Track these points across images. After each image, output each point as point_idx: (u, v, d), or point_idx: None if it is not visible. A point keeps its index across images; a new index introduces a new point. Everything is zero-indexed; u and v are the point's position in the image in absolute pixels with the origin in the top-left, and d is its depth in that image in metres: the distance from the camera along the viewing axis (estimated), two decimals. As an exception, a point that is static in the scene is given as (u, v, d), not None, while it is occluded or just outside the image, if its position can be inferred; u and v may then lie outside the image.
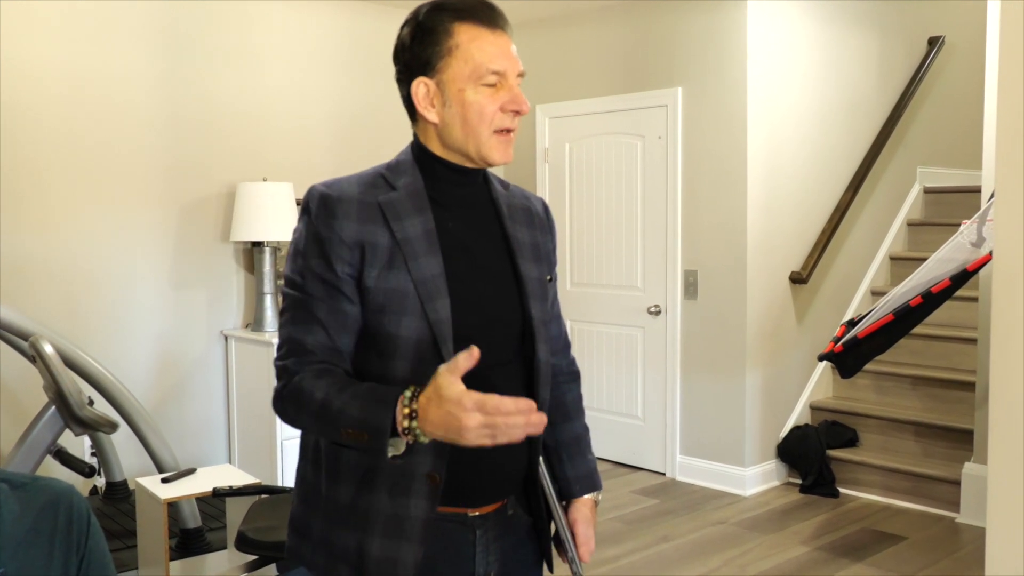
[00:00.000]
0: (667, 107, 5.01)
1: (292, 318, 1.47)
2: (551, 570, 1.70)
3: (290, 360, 1.45)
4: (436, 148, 1.51)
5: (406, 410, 1.31)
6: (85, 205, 4.27)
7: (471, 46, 1.45)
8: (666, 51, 5.01)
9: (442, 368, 1.29)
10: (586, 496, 1.72)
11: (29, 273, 4.12)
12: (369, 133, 5.17)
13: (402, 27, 1.51)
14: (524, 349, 1.56)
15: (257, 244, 4.64)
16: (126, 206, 4.40)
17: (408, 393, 1.31)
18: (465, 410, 1.25)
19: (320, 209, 1.45)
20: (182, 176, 4.57)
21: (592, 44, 5.37)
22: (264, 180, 4.68)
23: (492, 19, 1.47)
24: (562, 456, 1.73)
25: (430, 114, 1.48)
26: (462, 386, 1.27)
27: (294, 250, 1.49)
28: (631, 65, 5.18)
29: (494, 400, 1.26)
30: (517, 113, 1.48)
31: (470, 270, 1.51)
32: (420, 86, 1.48)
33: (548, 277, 1.64)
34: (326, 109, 5.06)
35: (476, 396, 1.26)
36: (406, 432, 1.31)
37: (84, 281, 4.29)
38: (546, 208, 1.71)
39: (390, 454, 1.36)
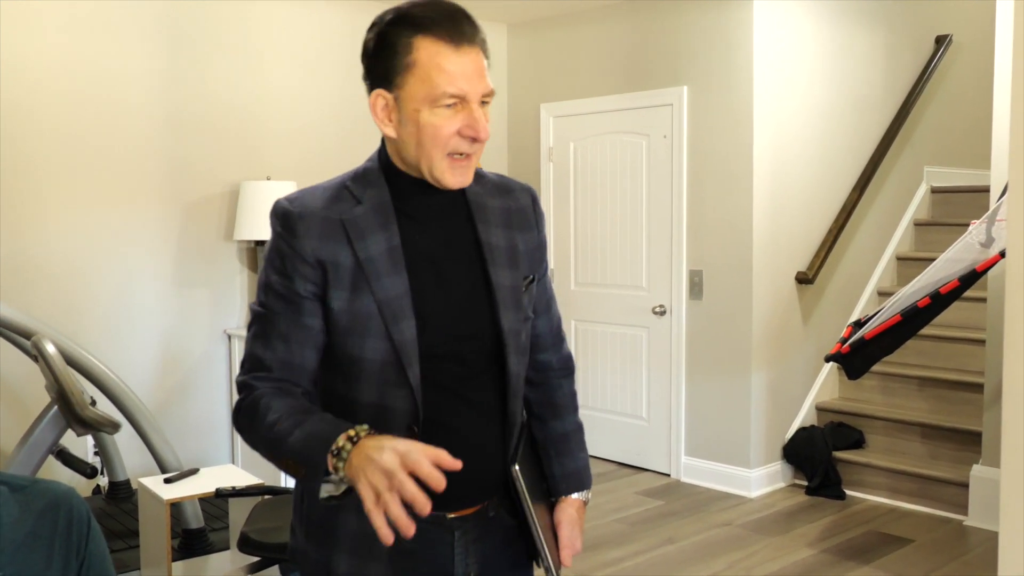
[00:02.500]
0: (672, 106, 5.00)
1: (254, 334, 1.45)
2: (539, 566, 1.65)
3: (249, 376, 1.43)
4: (398, 161, 1.46)
5: (351, 433, 1.28)
6: (88, 204, 4.28)
7: (430, 65, 1.35)
8: (671, 50, 5.01)
9: (417, 444, 1.24)
10: (573, 496, 1.67)
11: (32, 272, 4.14)
12: (371, 132, 5.08)
13: (368, 30, 1.43)
14: (499, 360, 1.51)
15: (260, 243, 4.63)
16: (129, 205, 4.41)
17: (352, 433, 1.28)
18: (383, 450, 1.22)
19: (282, 226, 1.42)
20: (185, 175, 4.58)
21: (597, 43, 5.36)
22: (267, 179, 4.69)
23: (456, 34, 1.36)
24: (550, 453, 1.69)
25: (388, 128, 1.42)
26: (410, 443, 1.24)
27: (263, 265, 1.47)
28: (636, 64, 5.18)
29: (418, 453, 1.22)
30: (475, 139, 1.39)
31: (437, 285, 1.46)
32: (379, 99, 1.41)
33: (530, 278, 1.56)
34: (329, 108, 5.06)
35: (406, 446, 1.23)
36: (335, 453, 1.27)
37: (87, 280, 4.30)
38: (533, 199, 1.62)
39: (324, 494, 1.33)
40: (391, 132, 1.43)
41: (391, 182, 1.46)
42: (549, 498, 1.68)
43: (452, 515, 1.51)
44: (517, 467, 1.51)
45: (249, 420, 1.41)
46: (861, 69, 5.25)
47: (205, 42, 4.60)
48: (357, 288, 1.40)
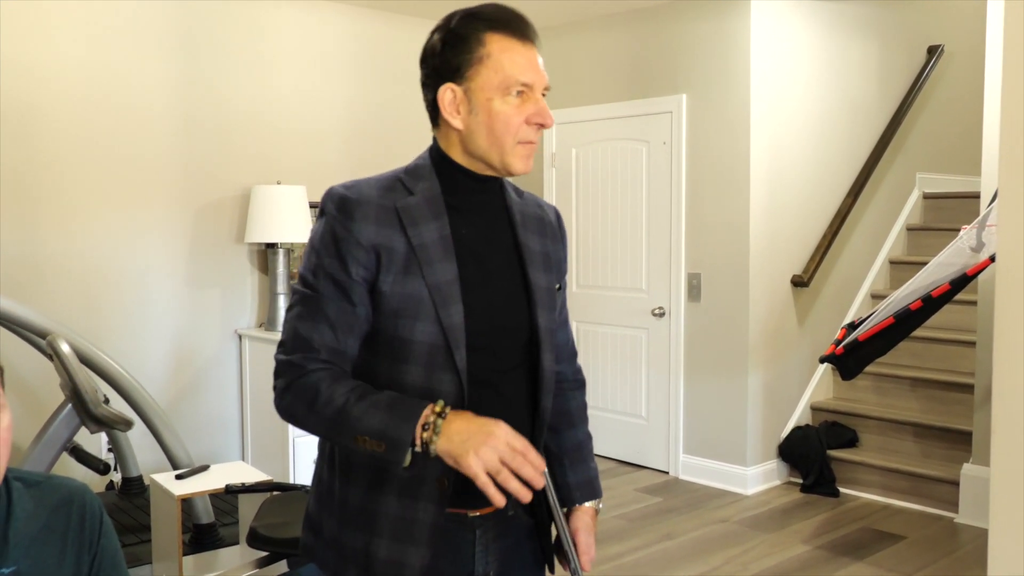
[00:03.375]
0: (672, 113, 5.07)
1: (299, 314, 1.46)
2: (552, 571, 1.70)
3: (296, 356, 1.44)
4: (457, 155, 1.51)
5: (437, 408, 1.37)
6: (103, 206, 4.31)
7: (502, 56, 1.45)
8: (671, 59, 5.07)
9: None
10: (587, 504, 1.71)
11: (47, 272, 4.16)
12: (381, 137, 5.22)
13: (433, 32, 1.51)
14: (530, 357, 1.56)
15: (271, 245, 4.68)
16: (143, 207, 4.44)
17: (438, 409, 1.36)
18: (500, 427, 1.33)
19: (339, 210, 1.45)
20: (198, 178, 4.60)
21: (598, 51, 5.42)
22: (278, 183, 4.72)
23: (524, 32, 1.48)
24: (564, 463, 1.72)
25: (455, 120, 1.48)
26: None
27: (310, 248, 1.49)
28: (637, 72, 5.24)
29: (524, 442, 1.34)
30: (541, 126, 1.49)
31: (481, 277, 1.51)
32: (447, 92, 1.47)
33: (557, 286, 1.62)
34: (339, 114, 5.09)
35: (510, 428, 1.34)
36: (425, 428, 1.34)
37: (101, 280, 4.32)
38: (559, 217, 1.71)
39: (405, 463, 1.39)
40: (458, 124, 1.48)
41: (442, 177, 1.52)
42: (562, 507, 1.69)
43: (474, 514, 1.54)
44: (545, 468, 1.55)
45: (305, 404, 1.42)
46: (855, 78, 5.32)
47: (218, 48, 4.64)
48: (409, 272, 1.44)
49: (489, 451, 1.31)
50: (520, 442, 1.34)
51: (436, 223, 1.47)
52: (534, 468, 1.33)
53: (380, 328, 1.46)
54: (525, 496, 1.33)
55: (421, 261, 1.44)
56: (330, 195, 1.48)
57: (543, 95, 1.51)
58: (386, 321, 1.45)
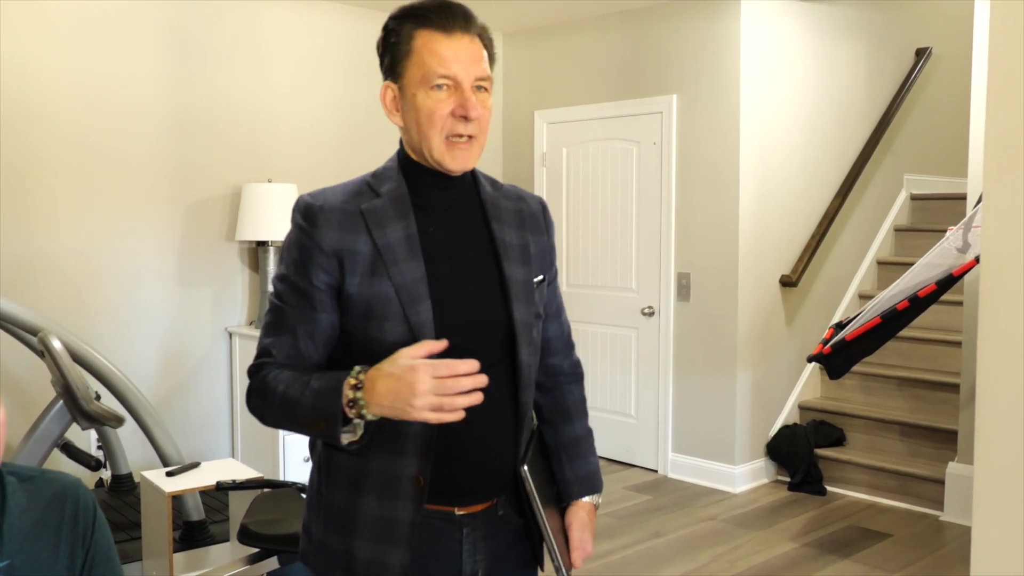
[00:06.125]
0: (662, 114, 5.09)
1: (266, 324, 1.51)
2: (542, 569, 1.68)
3: (256, 362, 1.51)
4: (411, 153, 1.53)
5: (352, 381, 1.37)
6: (93, 204, 4.31)
7: (423, 50, 1.46)
8: (662, 60, 5.09)
9: (403, 349, 1.36)
10: (584, 499, 1.69)
11: (38, 270, 4.16)
12: (372, 136, 5.22)
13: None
14: (511, 352, 1.54)
15: (261, 243, 4.69)
16: (134, 205, 4.44)
17: (356, 368, 1.38)
18: (417, 372, 1.32)
19: (304, 218, 1.48)
20: (189, 176, 4.60)
21: (590, 52, 5.44)
22: (269, 181, 4.72)
23: (448, 23, 1.46)
24: (561, 458, 1.70)
25: (395, 118, 1.52)
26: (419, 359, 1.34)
27: (280, 257, 1.54)
28: (628, 73, 5.26)
29: (446, 363, 1.33)
30: (464, 118, 1.45)
31: (453, 273, 1.50)
32: (387, 90, 1.52)
33: (541, 278, 1.61)
34: (330, 112, 5.10)
35: (428, 360, 1.33)
36: (351, 405, 1.36)
37: (92, 278, 4.32)
38: (543, 207, 1.68)
39: (345, 440, 1.40)
40: (398, 121, 1.52)
41: (408, 177, 1.53)
42: (560, 502, 1.69)
43: (461, 511, 1.53)
44: (526, 467, 1.54)
45: (260, 398, 1.48)
46: (844, 79, 5.36)
47: (209, 47, 4.64)
48: (376, 274, 1.45)
49: (421, 399, 1.32)
50: (443, 367, 1.33)
51: (401, 223, 1.49)
52: (470, 377, 1.33)
53: (353, 331, 1.48)
54: (474, 398, 1.34)
55: (387, 262, 1.46)
56: (296, 204, 1.52)
57: (481, 88, 1.48)
58: (357, 323, 1.47)
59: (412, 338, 1.43)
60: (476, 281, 1.53)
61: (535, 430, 1.67)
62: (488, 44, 1.52)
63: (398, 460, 1.45)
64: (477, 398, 1.34)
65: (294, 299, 1.48)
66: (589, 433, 1.76)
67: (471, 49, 1.47)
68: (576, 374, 1.76)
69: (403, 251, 1.47)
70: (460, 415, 1.34)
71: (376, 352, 1.43)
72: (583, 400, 1.77)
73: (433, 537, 1.52)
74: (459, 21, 1.47)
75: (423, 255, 1.48)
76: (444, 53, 1.45)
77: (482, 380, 1.34)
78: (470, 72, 1.46)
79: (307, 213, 1.48)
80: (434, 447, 1.46)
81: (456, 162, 1.49)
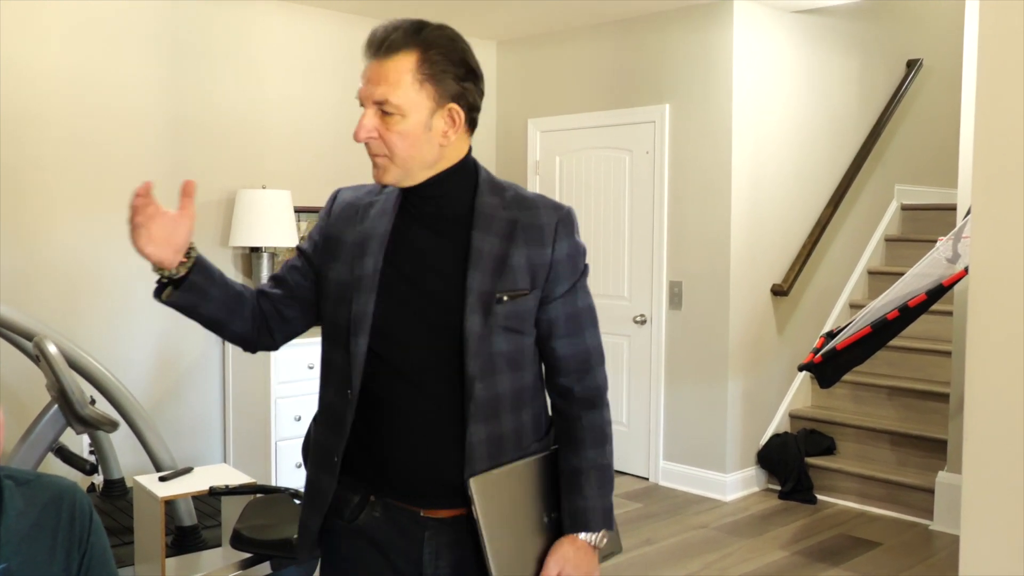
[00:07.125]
0: (655, 123, 5.12)
1: None
2: None
3: None
4: None
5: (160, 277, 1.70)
6: (88, 208, 4.32)
7: None
8: (655, 69, 5.12)
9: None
10: (581, 535, 1.60)
11: (33, 274, 4.16)
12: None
13: None
14: (460, 360, 1.54)
15: (255, 249, 4.69)
16: (128, 209, 4.43)
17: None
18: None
19: (327, 203, 1.72)
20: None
21: (584, 61, 5.46)
22: (263, 187, 4.73)
23: (368, 47, 1.53)
24: (561, 487, 1.63)
25: None
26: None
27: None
28: (621, 82, 5.29)
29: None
30: (357, 139, 1.54)
31: (415, 275, 1.56)
32: None
33: (524, 291, 1.57)
34: (325, 119, 5.11)
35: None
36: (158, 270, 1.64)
37: (86, 283, 4.32)
38: (560, 220, 1.62)
39: (164, 296, 1.64)
40: None
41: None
42: (558, 531, 1.63)
43: (426, 514, 1.57)
44: (472, 481, 1.52)
45: None
46: (836, 90, 5.40)
47: (205, 52, 4.65)
48: (347, 262, 1.61)
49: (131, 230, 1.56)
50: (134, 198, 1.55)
51: (381, 221, 1.61)
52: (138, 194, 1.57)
53: (324, 313, 1.66)
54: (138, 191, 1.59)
55: (355, 254, 1.60)
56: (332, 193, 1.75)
57: (386, 112, 1.50)
58: (326, 305, 1.65)
59: (353, 324, 1.56)
60: (436, 285, 1.56)
61: (532, 451, 1.63)
62: (425, 63, 1.49)
63: (331, 438, 1.61)
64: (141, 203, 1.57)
65: (293, 258, 1.73)
66: (596, 467, 1.62)
67: (377, 71, 1.50)
68: (588, 399, 1.64)
69: (372, 246, 1.59)
70: (138, 229, 1.58)
71: (333, 334, 1.62)
72: (594, 429, 1.63)
73: (397, 529, 1.59)
74: (376, 43, 1.51)
75: (389, 253, 1.58)
76: (363, 75, 1.53)
77: (143, 187, 1.58)
78: (368, 93, 1.52)
79: (330, 200, 1.72)
80: (349, 430, 1.59)
81: (375, 174, 1.59)
